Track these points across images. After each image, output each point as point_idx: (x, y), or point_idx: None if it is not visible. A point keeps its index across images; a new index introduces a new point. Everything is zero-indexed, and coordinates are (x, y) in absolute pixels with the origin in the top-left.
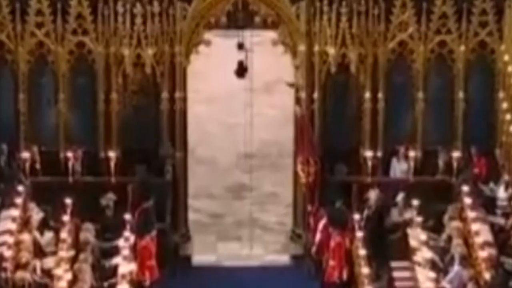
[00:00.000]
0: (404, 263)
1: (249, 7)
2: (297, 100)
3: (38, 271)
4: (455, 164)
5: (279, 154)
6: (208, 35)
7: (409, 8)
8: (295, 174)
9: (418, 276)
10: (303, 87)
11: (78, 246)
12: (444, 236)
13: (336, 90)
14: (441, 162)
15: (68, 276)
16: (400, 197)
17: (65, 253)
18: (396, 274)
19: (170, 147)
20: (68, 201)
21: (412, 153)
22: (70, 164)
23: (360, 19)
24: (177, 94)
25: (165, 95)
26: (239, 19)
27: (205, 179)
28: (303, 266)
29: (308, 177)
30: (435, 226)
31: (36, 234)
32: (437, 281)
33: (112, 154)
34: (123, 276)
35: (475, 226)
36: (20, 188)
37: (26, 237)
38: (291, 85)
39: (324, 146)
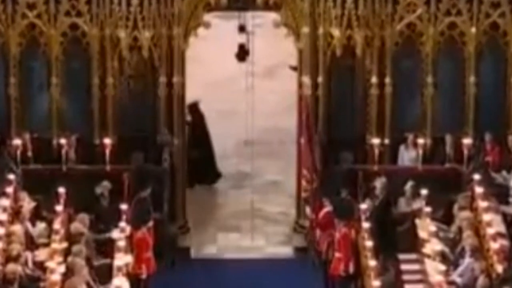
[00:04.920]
0: (413, 256)
1: None
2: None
3: (30, 264)
4: (465, 152)
5: (281, 141)
6: (207, 17)
7: None
8: (298, 163)
9: (427, 269)
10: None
11: (71, 237)
12: (454, 227)
13: (341, 75)
14: (448, 149)
15: (61, 269)
16: (408, 186)
17: (58, 244)
18: (404, 266)
19: (168, 134)
20: (61, 190)
21: (421, 140)
22: (63, 151)
23: None
24: (175, 79)
25: (162, 79)
26: (240, 0)
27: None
28: (307, 258)
29: (306, 192)
30: (445, 217)
31: (28, 225)
32: (447, 274)
33: (107, 141)
34: (119, 269)
35: (486, 217)
36: (11, 176)
37: (17, 228)
38: (294, 68)
39: (329, 133)
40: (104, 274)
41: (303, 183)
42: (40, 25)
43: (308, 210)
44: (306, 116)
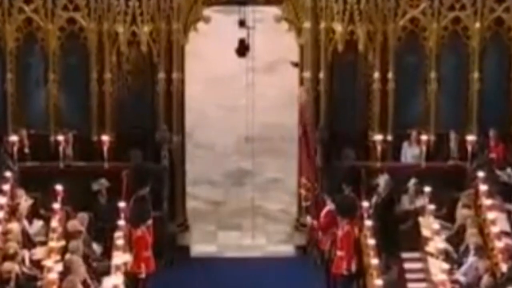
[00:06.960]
0: (416, 254)
1: None
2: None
3: (27, 262)
4: (469, 149)
5: (282, 138)
6: (207, 11)
7: None
8: (299, 161)
9: (430, 268)
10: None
11: (68, 235)
12: (457, 225)
13: (343, 70)
14: (453, 146)
15: (59, 267)
16: (411, 183)
17: (55, 243)
18: (407, 265)
19: (167, 130)
20: (59, 187)
21: (424, 137)
22: (60, 148)
23: None
24: (175, 75)
25: (161, 75)
26: None
27: (204, 165)
28: (309, 257)
29: (307, 201)
30: (448, 215)
31: (25, 223)
32: (450, 272)
33: (105, 137)
34: (118, 268)
35: (491, 215)
36: (8, 173)
37: (14, 226)
38: (295, 64)
39: (330, 130)
40: (104, 272)
41: (303, 192)
42: (37, 19)
43: (309, 218)
44: (304, 129)
